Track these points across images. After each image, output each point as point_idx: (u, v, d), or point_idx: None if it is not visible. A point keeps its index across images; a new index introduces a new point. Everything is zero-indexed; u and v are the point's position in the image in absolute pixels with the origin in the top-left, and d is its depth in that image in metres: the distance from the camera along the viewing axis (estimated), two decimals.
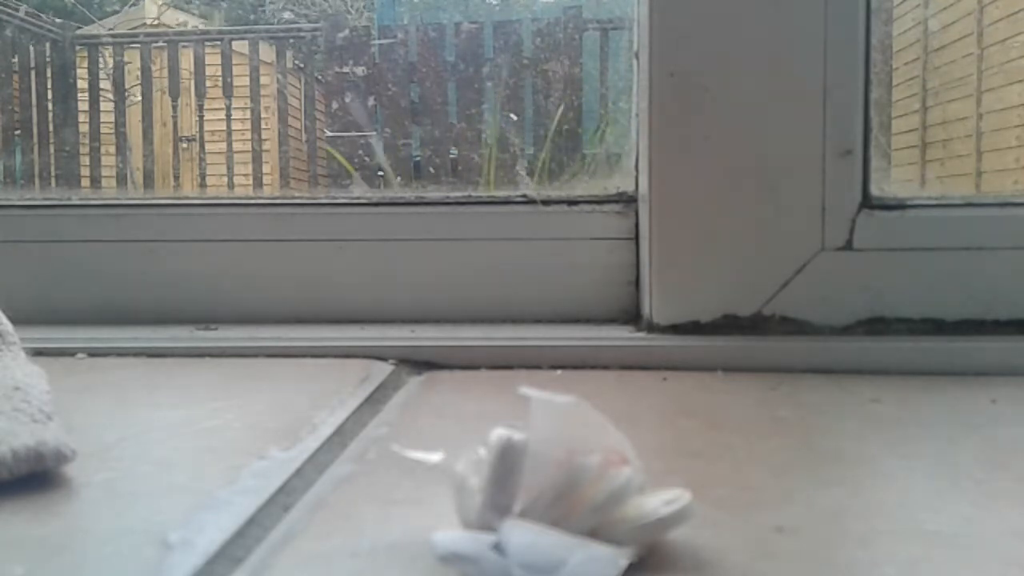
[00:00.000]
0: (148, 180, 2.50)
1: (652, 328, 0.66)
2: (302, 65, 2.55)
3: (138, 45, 2.56)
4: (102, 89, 2.49)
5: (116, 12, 2.62)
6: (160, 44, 2.53)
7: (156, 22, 2.58)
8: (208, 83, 2.50)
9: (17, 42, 2.38)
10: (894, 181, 0.67)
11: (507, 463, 0.32)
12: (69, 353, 0.66)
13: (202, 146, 2.51)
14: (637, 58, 0.68)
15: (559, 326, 0.71)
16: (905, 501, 0.39)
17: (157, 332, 0.70)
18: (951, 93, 2.07)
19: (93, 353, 0.66)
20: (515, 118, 2.20)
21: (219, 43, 2.52)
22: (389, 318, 0.73)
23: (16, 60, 2.38)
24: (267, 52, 2.53)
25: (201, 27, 2.64)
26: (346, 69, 2.36)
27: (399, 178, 2.21)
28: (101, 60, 2.51)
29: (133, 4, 2.58)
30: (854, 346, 0.63)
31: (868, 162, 0.65)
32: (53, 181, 2.30)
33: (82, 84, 2.48)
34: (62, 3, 2.49)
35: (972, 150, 2.01)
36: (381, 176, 2.26)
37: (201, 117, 2.51)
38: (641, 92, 0.67)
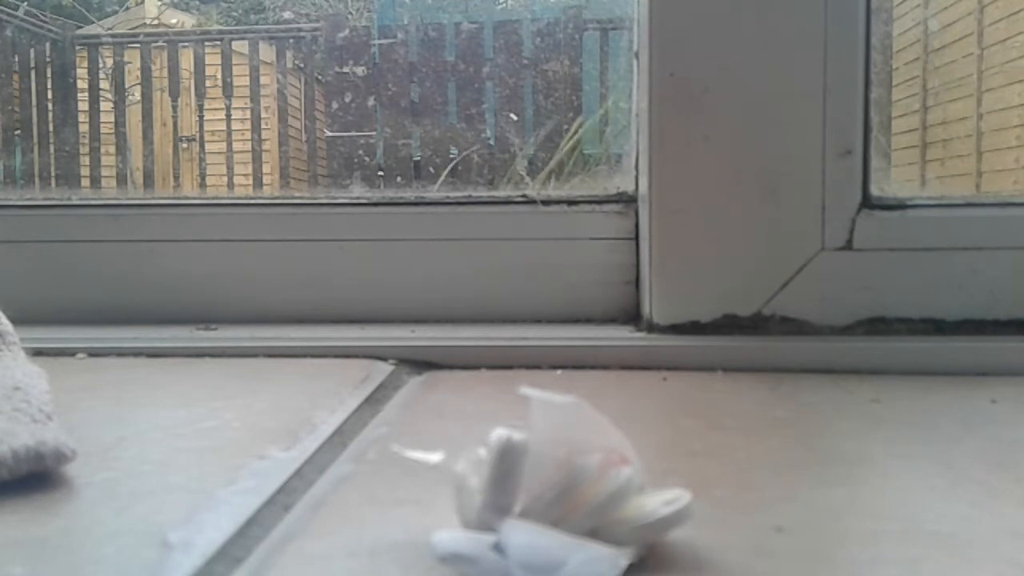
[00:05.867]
0: (148, 180, 2.50)
1: (652, 328, 0.66)
2: (302, 65, 2.55)
3: (138, 45, 2.56)
4: (102, 89, 2.49)
5: (116, 12, 2.62)
6: (160, 44, 2.53)
7: (156, 22, 2.58)
8: (208, 83, 2.50)
9: (17, 42, 2.38)
10: (894, 181, 0.67)
11: (507, 463, 0.32)
12: (69, 353, 0.66)
13: (202, 146, 2.51)
14: (637, 58, 0.68)
15: (559, 326, 0.71)
16: (905, 501, 0.39)
17: (157, 332, 0.70)
18: (951, 93, 2.07)
19: (93, 353, 0.66)
20: (515, 118, 2.20)
21: (219, 43, 2.51)
22: (389, 318, 0.73)
23: (16, 60, 2.38)
24: (267, 52, 2.53)
25: (201, 27, 2.63)
26: (346, 69, 2.36)
27: (399, 178, 2.21)
28: (101, 60, 2.51)
29: (137, 3, 2.58)
30: (854, 346, 0.63)
31: (868, 162, 0.65)
32: (53, 181, 2.30)
33: (82, 84, 2.48)
34: (62, 3, 2.49)
35: (972, 150, 2.01)
36: (381, 176, 2.26)
37: (201, 117, 2.51)
38: (641, 92, 0.67)
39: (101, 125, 2.49)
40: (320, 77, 2.50)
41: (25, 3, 2.34)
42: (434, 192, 0.75)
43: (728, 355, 0.63)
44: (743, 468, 0.43)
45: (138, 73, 2.53)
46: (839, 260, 0.64)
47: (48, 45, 2.45)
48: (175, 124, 2.52)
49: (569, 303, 0.72)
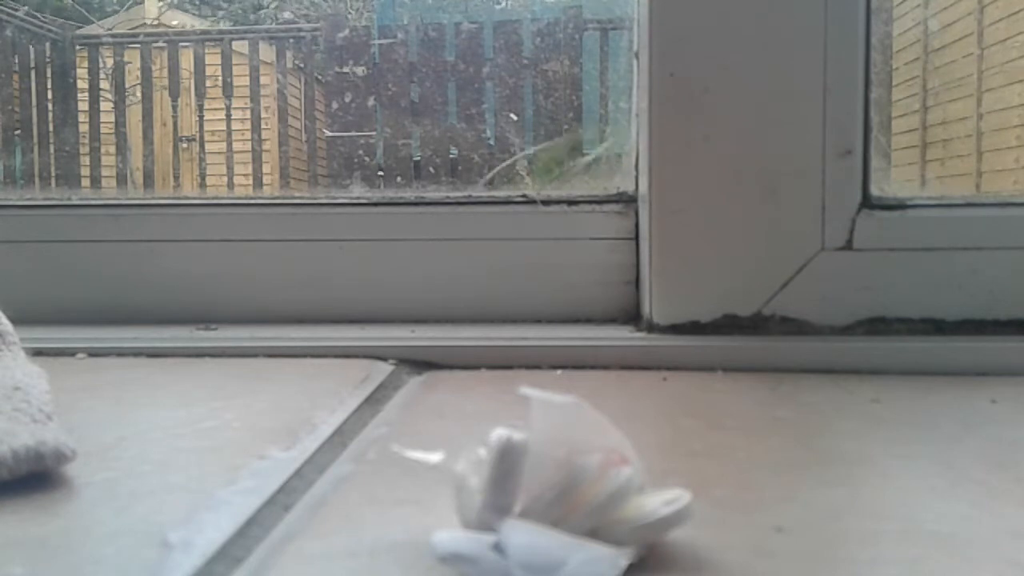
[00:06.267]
0: (148, 180, 2.50)
1: (652, 328, 0.66)
2: (302, 65, 2.55)
3: (138, 45, 2.57)
4: (102, 89, 2.49)
5: (116, 12, 2.62)
6: (160, 44, 2.53)
7: (156, 22, 2.58)
8: (208, 83, 2.50)
9: (17, 42, 2.38)
10: (894, 181, 0.67)
11: (507, 463, 0.32)
12: (69, 353, 0.66)
13: (202, 146, 2.51)
14: (637, 58, 0.68)
15: (559, 326, 0.71)
16: (905, 501, 0.39)
17: (157, 332, 0.70)
18: (951, 93, 2.07)
19: (93, 353, 0.66)
20: (515, 118, 2.20)
21: (219, 43, 2.52)
22: (389, 318, 0.73)
23: (16, 60, 2.38)
24: (267, 52, 2.53)
25: (201, 27, 2.63)
26: (346, 69, 2.37)
27: (399, 178, 2.21)
28: (101, 60, 2.51)
29: (135, 4, 2.58)
30: (854, 346, 0.63)
31: (868, 162, 0.65)
32: (53, 181, 2.30)
33: (82, 84, 2.48)
34: (62, 3, 2.49)
35: (972, 150, 2.01)
36: (381, 176, 2.26)
37: (201, 117, 2.51)
38: (641, 92, 0.67)
39: (101, 125, 2.49)
40: (320, 77, 2.50)
41: (25, 6, 2.34)
42: (434, 192, 0.75)
43: (728, 355, 0.63)
44: (743, 468, 0.43)
45: (138, 73, 2.53)
46: (839, 260, 0.64)
47: (48, 45, 2.45)
48: (175, 124, 2.52)
49: (569, 303, 0.72)
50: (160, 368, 0.63)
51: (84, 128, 2.47)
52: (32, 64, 2.41)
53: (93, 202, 0.77)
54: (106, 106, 2.50)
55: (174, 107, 2.52)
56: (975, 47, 2.00)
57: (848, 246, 0.64)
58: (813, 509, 0.39)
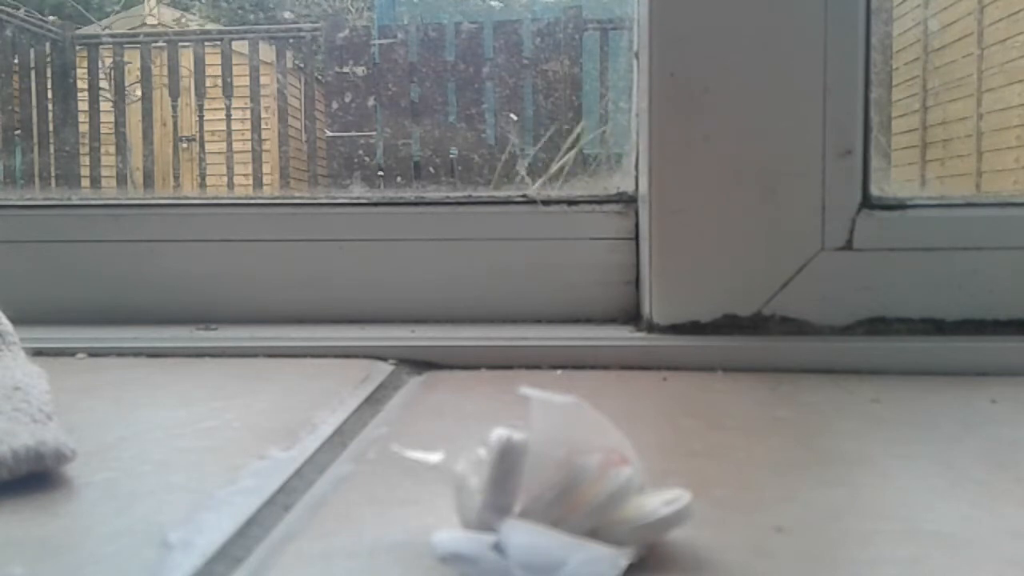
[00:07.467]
0: (148, 180, 2.50)
1: (652, 328, 0.66)
2: (302, 65, 2.55)
3: (138, 45, 2.57)
4: (102, 89, 2.49)
5: (116, 12, 2.63)
6: (160, 44, 2.53)
7: (156, 22, 2.58)
8: (208, 83, 2.50)
9: (17, 42, 2.38)
10: (894, 181, 0.67)
11: (507, 463, 0.32)
12: (69, 353, 0.66)
13: (202, 146, 2.51)
14: (637, 58, 0.68)
15: (559, 326, 0.71)
16: (905, 501, 0.39)
17: (157, 332, 0.70)
18: (951, 93, 2.07)
19: (93, 353, 0.66)
20: (515, 118, 2.20)
21: (219, 43, 2.52)
22: (389, 318, 0.73)
23: (16, 60, 2.38)
24: (267, 52, 2.53)
25: (201, 27, 2.64)
26: (346, 69, 2.37)
27: (399, 178, 2.21)
28: (101, 60, 2.51)
29: (135, 3, 2.58)
30: (854, 346, 0.63)
31: (868, 162, 0.65)
32: (53, 181, 2.30)
33: (82, 84, 2.48)
34: (62, 3, 2.49)
35: (972, 150, 2.01)
36: (381, 176, 2.26)
37: (201, 117, 2.51)
38: (641, 92, 0.67)
39: (101, 125, 2.49)
40: (320, 77, 2.50)
41: (24, 7, 2.34)
42: (434, 192, 0.75)
43: (728, 355, 0.63)
44: (743, 468, 0.43)
45: (138, 73, 2.53)
46: (839, 260, 0.64)
47: (48, 45, 2.45)
48: (175, 124, 2.52)
49: (569, 303, 0.72)
50: (160, 368, 0.63)
51: (84, 128, 2.47)
52: (32, 64, 2.41)
53: (93, 202, 0.77)
54: (106, 106, 2.50)
55: (174, 107, 2.52)
56: (975, 47, 2.00)
57: (848, 246, 0.64)
58: (813, 509, 0.39)
